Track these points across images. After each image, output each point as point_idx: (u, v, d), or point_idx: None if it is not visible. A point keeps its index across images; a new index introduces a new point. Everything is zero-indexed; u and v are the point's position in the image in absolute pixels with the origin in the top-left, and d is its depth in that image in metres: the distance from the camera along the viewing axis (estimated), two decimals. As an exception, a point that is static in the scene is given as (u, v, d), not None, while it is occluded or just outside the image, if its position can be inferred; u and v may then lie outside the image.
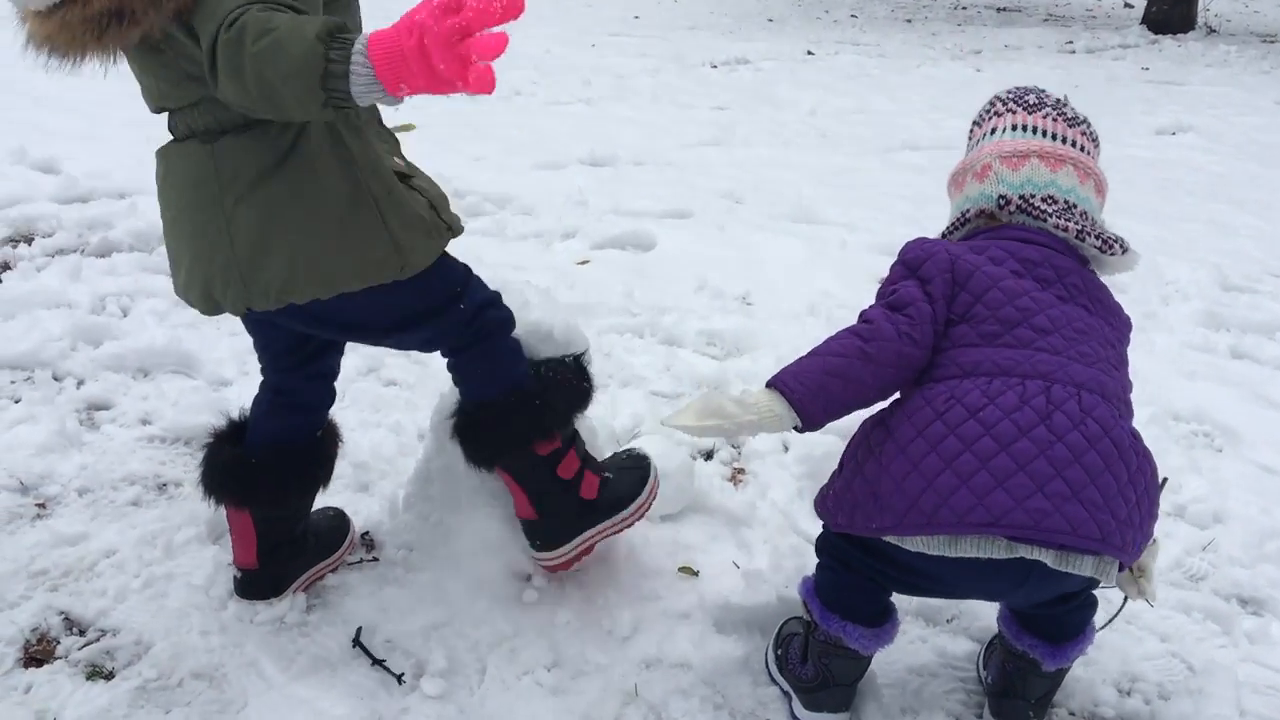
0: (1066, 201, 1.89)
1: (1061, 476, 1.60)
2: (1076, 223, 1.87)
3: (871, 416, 1.85)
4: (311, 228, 1.69)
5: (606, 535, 2.13)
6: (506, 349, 1.99)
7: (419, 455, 2.43)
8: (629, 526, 2.15)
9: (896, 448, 1.71)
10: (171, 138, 1.80)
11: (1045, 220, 1.87)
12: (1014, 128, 1.95)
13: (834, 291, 4.01)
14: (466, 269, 1.95)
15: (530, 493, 2.05)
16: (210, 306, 1.80)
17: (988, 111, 2.04)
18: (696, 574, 2.31)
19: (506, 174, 5.34)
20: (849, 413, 1.80)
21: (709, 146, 6.37)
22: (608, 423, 2.89)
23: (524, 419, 1.97)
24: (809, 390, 1.75)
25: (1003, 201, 1.91)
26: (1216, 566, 2.51)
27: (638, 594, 2.24)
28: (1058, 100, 2.00)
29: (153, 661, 1.99)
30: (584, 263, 4.21)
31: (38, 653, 2.01)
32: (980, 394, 1.68)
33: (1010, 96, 2.01)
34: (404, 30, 1.30)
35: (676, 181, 5.47)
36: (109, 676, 1.97)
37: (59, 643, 2.04)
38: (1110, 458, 1.64)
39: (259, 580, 2.13)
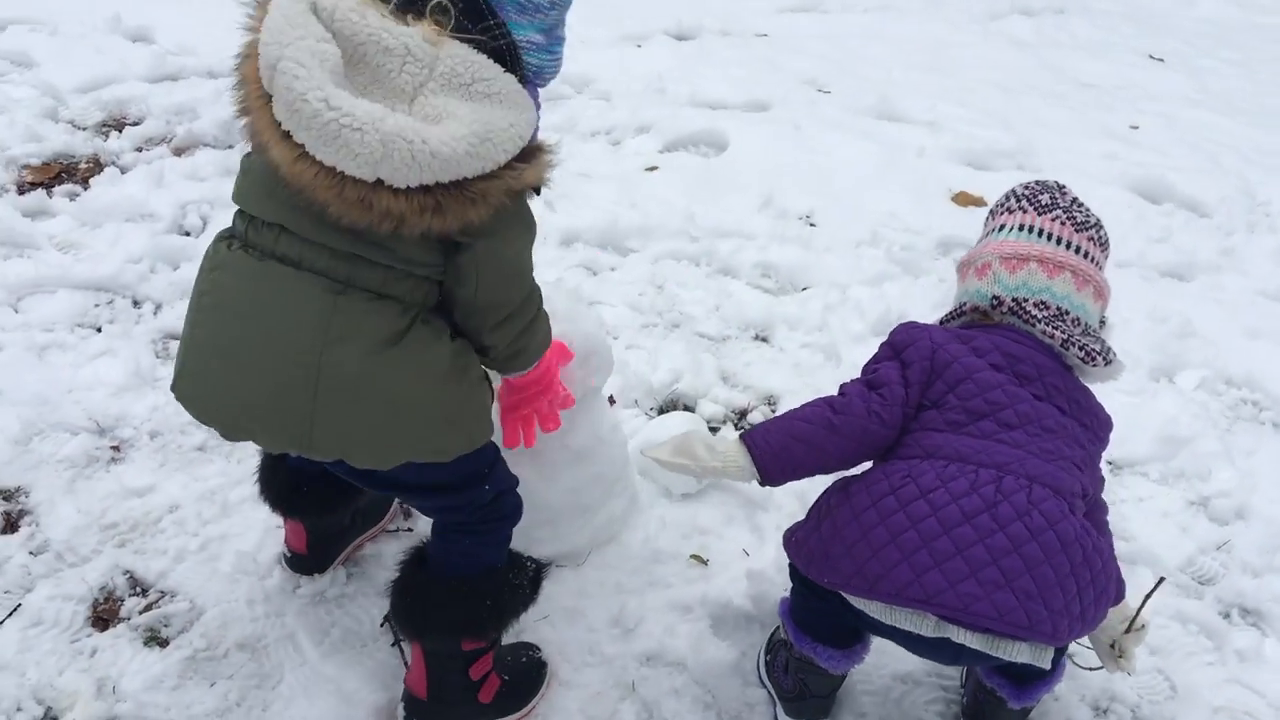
0: (1059, 308, 1.94)
1: (997, 564, 1.69)
2: (1064, 331, 1.91)
3: (838, 480, 1.96)
4: (396, 406, 1.66)
5: None
6: (503, 536, 1.99)
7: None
8: None
9: (851, 513, 1.82)
10: (244, 239, 1.69)
11: (1034, 325, 1.93)
12: (1020, 228, 1.99)
13: (900, 212, 3.98)
14: (495, 449, 1.94)
15: (432, 676, 2.00)
16: (237, 436, 1.75)
17: (1001, 205, 2.08)
18: (706, 563, 2.44)
19: (588, 49, 5.26)
20: (810, 475, 1.95)
21: (801, 12, 6.17)
22: (646, 378, 2.99)
23: (471, 613, 1.93)
24: (772, 450, 1.90)
25: (995, 302, 1.97)
26: (1227, 570, 2.56)
27: (648, 580, 2.39)
28: (1073, 201, 2.02)
29: (203, 630, 2.22)
30: (652, 169, 4.22)
31: (105, 612, 2.25)
32: (935, 476, 1.78)
33: (1025, 193, 2.04)
34: (553, 373, 2.08)
35: (760, 61, 5.35)
36: (164, 644, 2.20)
37: (123, 602, 2.27)
38: (1052, 550, 1.71)
39: (307, 562, 2.33)
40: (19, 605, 2.23)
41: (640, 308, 3.36)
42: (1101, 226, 2.03)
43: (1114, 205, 4.16)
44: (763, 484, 1.93)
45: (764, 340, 3.29)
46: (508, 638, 2.20)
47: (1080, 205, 2.03)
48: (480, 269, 1.66)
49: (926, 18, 6.23)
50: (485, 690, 2.05)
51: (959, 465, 1.79)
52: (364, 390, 1.62)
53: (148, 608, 2.27)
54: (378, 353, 1.62)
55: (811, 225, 3.91)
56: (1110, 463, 2.86)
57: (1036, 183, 2.08)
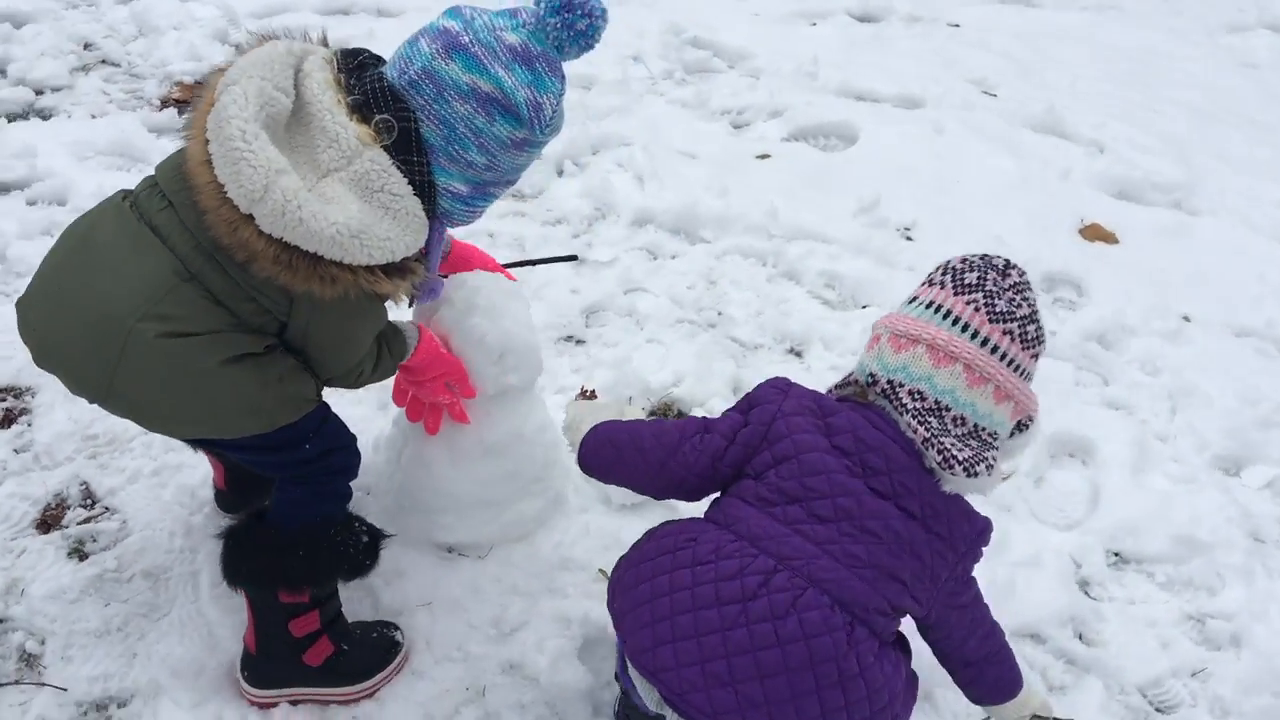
0: (938, 402, 1.71)
1: (728, 660, 1.58)
2: (930, 429, 1.70)
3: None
4: (181, 386, 1.73)
5: (321, 701, 2.11)
6: (337, 490, 2.02)
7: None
8: (349, 702, 2.12)
9: (638, 558, 1.76)
10: (135, 199, 1.80)
11: (902, 414, 1.73)
12: (927, 305, 1.77)
13: (1009, 237, 3.68)
14: (324, 413, 1.96)
15: (258, 628, 2.05)
16: (44, 365, 1.82)
17: (929, 276, 1.85)
18: (611, 580, 2.37)
19: (759, 23, 5.12)
20: (619, 484, 1.94)
21: (1008, 4, 5.74)
22: (644, 376, 2.91)
23: (283, 563, 1.95)
24: (590, 445, 1.93)
25: (871, 379, 1.79)
26: (1195, 701, 2.28)
27: (547, 586, 2.35)
28: (1010, 287, 1.75)
29: (120, 551, 2.35)
30: (764, 157, 4.07)
31: (50, 517, 2.42)
32: (712, 549, 1.67)
33: (957, 266, 1.79)
34: (441, 359, 2.12)
35: (937, 54, 5.04)
36: (84, 557, 2.34)
37: (69, 511, 2.44)
38: (796, 663, 1.56)
39: (228, 498, 2.43)
40: (-21, 498, 2.44)
41: (682, 302, 3.27)
42: (1032, 321, 1.74)
43: (1265, 263, 3.71)
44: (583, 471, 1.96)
45: (797, 355, 3.14)
46: (377, 613, 2.23)
47: (1015, 294, 1.74)
48: (310, 331, 1.81)
49: (1149, 23, 5.68)
50: (313, 653, 2.07)
51: (741, 545, 1.66)
52: (155, 363, 1.71)
53: (86, 520, 2.43)
54: (172, 336, 1.69)
55: (908, 239, 3.68)
56: (1117, 554, 2.58)
57: (981, 258, 1.80)
